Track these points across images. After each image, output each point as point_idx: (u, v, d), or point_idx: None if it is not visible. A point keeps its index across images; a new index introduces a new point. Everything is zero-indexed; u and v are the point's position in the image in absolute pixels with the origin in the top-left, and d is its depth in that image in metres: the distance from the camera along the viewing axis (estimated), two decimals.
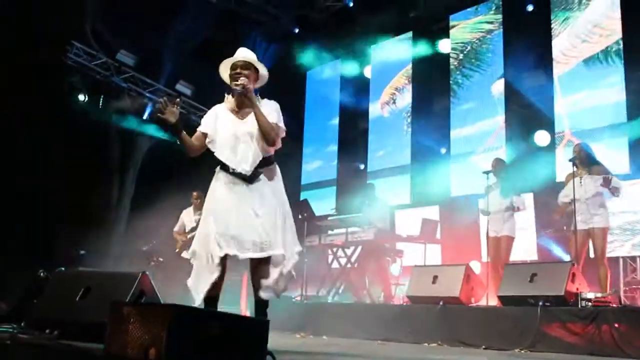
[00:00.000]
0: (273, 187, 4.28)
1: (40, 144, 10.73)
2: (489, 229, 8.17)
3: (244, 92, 4.21)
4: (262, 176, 4.22)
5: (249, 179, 4.16)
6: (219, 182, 4.26)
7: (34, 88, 10.80)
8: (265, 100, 4.39)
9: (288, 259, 4.17)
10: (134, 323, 2.65)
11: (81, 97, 12.29)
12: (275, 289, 4.18)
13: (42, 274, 4.88)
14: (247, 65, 4.36)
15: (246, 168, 4.16)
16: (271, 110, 4.30)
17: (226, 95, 4.44)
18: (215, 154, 4.29)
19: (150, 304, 3.55)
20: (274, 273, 4.13)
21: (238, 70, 4.31)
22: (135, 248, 11.17)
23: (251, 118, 4.26)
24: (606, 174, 7.14)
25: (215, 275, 4.01)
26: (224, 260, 4.06)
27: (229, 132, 4.25)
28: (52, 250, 10.79)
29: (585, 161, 7.32)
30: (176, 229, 9.82)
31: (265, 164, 4.26)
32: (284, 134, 4.35)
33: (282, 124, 4.31)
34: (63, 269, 4.54)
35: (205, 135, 4.33)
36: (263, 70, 4.45)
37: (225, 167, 4.24)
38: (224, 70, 4.45)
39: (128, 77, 12.95)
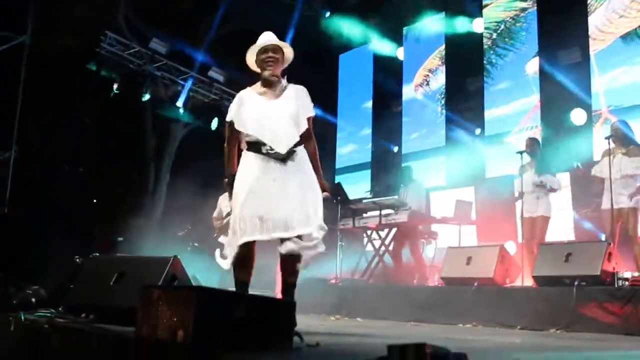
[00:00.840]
0: (304, 166, 4.30)
1: (78, 134, 10.92)
2: (523, 209, 8.07)
3: (275, 80, 4.30)
4: (297, 157, 4.23)
5: (283, 158, 4.18)
6: (249, 164, 4.24)
7: (69, 79, 10.96)
8: (292, 85, 4.41)
9: (316, 237, 4.14)
10: (162, 306, 2.69)
11: (115, 87, 12.40)
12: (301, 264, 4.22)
13: (77, 260, 4.97)
14: (277, 48, 4.38)
15: (282, 149, 4.17)
16: (300, 98, 4.34)
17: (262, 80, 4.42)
18: (247, 136, 4.28)
19: (178, 287, 3.61)
20: (300, 256, 4.14)
21: (270, 54, 4.33)
22: (171, 234, 11.31)
23: (282, 99, 4.29)
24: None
25: (232, 257, 4.11)
26: (251, 245, 4.12)
27: (260, 113, 4.26)
28: (91, 237, 10.98)
29: (622, 139, 7.20)
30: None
31: (299, 144, 4.29)
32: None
33: (312, 109, 4.38)
34: (98, 254, 4.62)
35: (231, 123, 4.35)
36: (289, 54, 4.47)
37: (255, 148, 4.24)
38: (251, 55, 4.47)
39: (161, 65, 13.05)
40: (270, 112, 4.25)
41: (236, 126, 4.30)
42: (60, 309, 4.33)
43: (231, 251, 4.13)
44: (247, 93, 4.42)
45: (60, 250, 8.77)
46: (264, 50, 4.37)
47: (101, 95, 11.82)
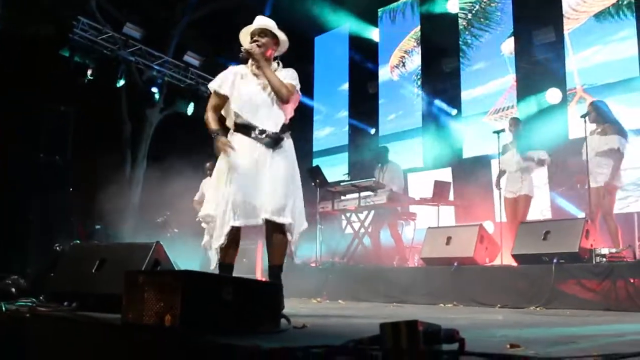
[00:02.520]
0: (290, 156, 4.32)
1: (53, 121, 10.77)
2: (505, 189, 8.11)
3: (246, 55, 4.28)
4: (283, 142, 4.26)
5: (272, 143, 4.19)
6: (237, 146, 4.21)
7: (43, 65, 10.81)
8: (285, 68, 4.44)
9: (296, 228, 4.23)
10: (148, 291, 2.67)
11: (89, 73, 12.24)
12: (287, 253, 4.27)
13: (58, 248, 4.93)
14: (265, 32, 4.39)
15: (273, 129, 4.21)
16: (288, 75, 4.35)
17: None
18: (237, 117, 4.28)
19: (163, 272, 3.59)
20: (285, 238, 4.21)
21: (255, 38, 4.35)
22: (149, 220, 11.25)
23: None
24: (620, 133, 7.11)
25: (222, 240, 4.12)
26: (236, 229, 4.15)
27: (252, 94, 4.28)
28: (68, 225, 10.88)
29: (597, 119, 7.27)
30: (196, 197, 9.83)
31: (285, 129, 4.31)
32: (298, 99, 4.39)
33: (298, 89, 4.36)
34: (78, 242, 4.58)
35: (222, 97, 4.33)
36: (282, 36, 4.47)
37: (244, 132, 4.24)
38: (244, 38, 4.49)
39: (135, 50, 12.90)
40: (261, 94, 4.27)
41: (232, 104, 4.29)
42: (41, 297, 4.29)
43: (219, 235, 4.15)
44: (243, 70, 4.41)
45: (38, 239, 8.69)
46: (252, 34, 4.39)
47: (75, 81, 11.66)
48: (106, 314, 3.26)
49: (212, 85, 4.38)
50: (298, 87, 4.36)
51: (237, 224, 4.10)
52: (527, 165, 7.99)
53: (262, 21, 4.45)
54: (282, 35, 4.45)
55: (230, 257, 4.24)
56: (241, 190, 4.10)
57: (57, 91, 10.97)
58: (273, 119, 4.24)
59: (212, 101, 4.39)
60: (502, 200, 8.13)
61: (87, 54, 12.05)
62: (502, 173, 8.21)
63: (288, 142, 4.33)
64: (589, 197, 6.95)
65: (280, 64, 4.46)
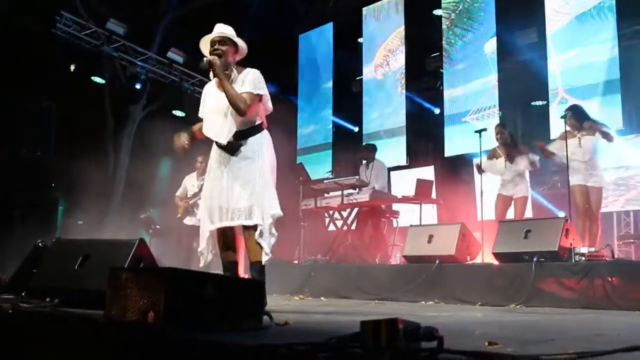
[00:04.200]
0: (256, 155, 4.40)
1: (35, 117, 10.72)
2: (502, 189, 8.11)
3: (207, 67, 4.37)
4: (243, 147, 4.37)
5: (230, 150, 4.35)
6: (212, 153, 4.52)
7: (25, 60, 10.73)
8: (246, 69, 4.49)
9: (263, 225, 4.31)
10: (132, 288, 2.69)
11: (72, 68, 12.18)
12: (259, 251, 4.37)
13: (40, 244, 4.91)
14: (224, 40, 4.46)
15: (222, 141, 4.34)
16: (246, 80, 4.40)
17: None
18: (202, 129, 4.54)
19: (147, 269, 3.61)
20: (256, 237, 4.31)
21: (216, 46, 4.43)
22: (132, 217, 11.22)
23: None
24: (604, 126, 7.23)
25: (202, 244, 4.42)
26: (223, 230, 4.38)
27: (211, 105, 4.45)
28: (50, 221, 10.83)
29: (576, 125, 7.36)
30: (178, 193, 9.79)
31: (250, 133, 4.40)
32: (268, 100, 4.48)
33: (261, 91, 4.40)
34: (61, 238, 4.57)
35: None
36: (241, 43, 4.54)
37: (215, 142, 4.48)
38: (204, 46, 4.57)
39: (119, 46, 12.85)
40: (217, 104, 4.40)
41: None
42: (23, 293, 4.28)
43: (202, 238, 4.45)
44: (208, 86, 4.62)
45: (20, 235, 8.65)
46: (212, 42, 4.46)
47: (58, 77, 11.60)
48: (89, 310, 3.27)
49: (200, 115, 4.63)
50: (259, 90, 4.38)
51: (212, 227, 4.37)
52: (520, 170, 8.03)
53: (221, 29, 4.52)
54: (241, 43, 4.52)
55: (228, 257, 4.46)
56: (213, 196, 4.38)
57: (40, 87, 10.90)
58: (226, 128, 4.35)
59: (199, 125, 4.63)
60: (482, 198, 8.16)
61: (71, 49, 11.99)
62: (479, 169, 8.21)
63: (257, 141, 4.43)
64: (568, 196, 7.04)
65: (240, 69, 4.49)
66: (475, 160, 8.49)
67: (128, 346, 2.50)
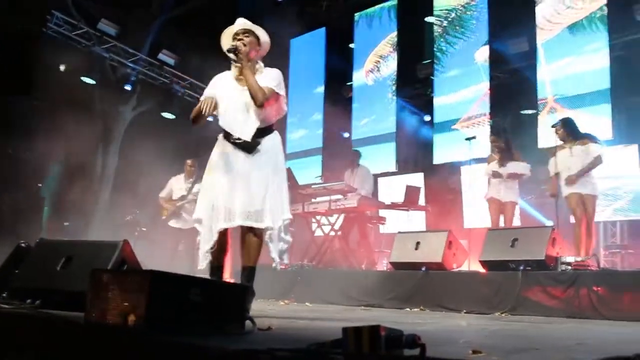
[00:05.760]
0: (270, 157, 4.35)
1: (24, 116, 10.65)
2: (491, 194, 8.19)
3: (233, 51, 4.27)
4: (260, 146, 4.28)
5: (248, 148, 4.24)
6: (219, 150, 4.37)
7: (16, 59, 10.67)
8: (268, 68, 4.46)
9: (273, 229, 4.28)
10: (113, 290, 2.65)
11: (63, 68, 12.11)
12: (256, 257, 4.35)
13: (23, 244, 4.85)
14: (248, 32, 4.42)
15: (246, 137, 4.25)
16: (270, 77, 4.37)
17: (232, 63, 4.44)
18: (219, 122, 4.39)
19: (129, 271, 3.57)
20: (259, 241, 4.30)
21: (240, 37, 4.38)
22: (119, 218, 11.16)
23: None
24: (592, 140, 7.28)
25: (210, 244, 4.25)
26: (223, 232, 4.26)
27: (230, 99, 4.32)
28: (35, 222, 10.76)
29: (567, 137, 7.41)
30: (162, 195, 9.72)
31: (265, 133, 4.34)
32: (284, 102, 4.44)
33: (281, 91, 4.37)
34: (44, 238, 4.52)
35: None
36: (264, 37, 4.50)
37: (226, 135, 4.33)
38: (226, 40, 4.50)
39: (110, 47, 12.80)
40: (239, 99, 4.31)
41: (218, 109, 4.38)
42: (4, 294, 4.23)
43: (208, 238, 4.28)
44: (222, 76, 4.49)
45: (5, 236, 8.57)
46: (235, 34, 4.41)
47: (49, 76, 11.53)
48: (70, 312, 3.23)
49: (204, 93, 4.46)
50: (279, 89, 4.36)
51: (221, 227, 4.22)
52: (511, 174, 8.10)
53: (244, 21, 4.48)
54: (264, 36, 4.49)
55: (219, 260, 4.35)
56: (222, 195, 4.22)
57: (29, 86, 10.84)
58: (249, 124, 4.28)
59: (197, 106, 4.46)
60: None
61: (61, 48, 11.92)
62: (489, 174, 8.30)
63: (270, 142, 4.37)
64: (556, 205, 7.07)
65: (261, 67, 4.46)
66: (487, 169, 8.50)
67: (107, 349, 2.47)
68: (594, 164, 7.17)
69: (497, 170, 8.10)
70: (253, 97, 4.22)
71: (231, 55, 4.32)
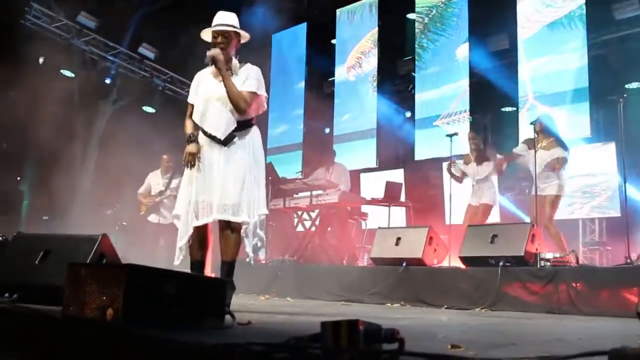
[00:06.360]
0: (247, 151, 4.36)
1: (2, 108, 10.52)
2: (471, 198, 8.28)
3: (211, 63, 4.33)
4: (238, 140, 4.31)
5: (223, 142, 4.26)
6: (199, 146, 4.38)
7: None
8: (248, 65, 4.48)
9: (249, 224, 4.28)
10: (91, 284, 2.64)
11: (41, 61, 11.98)
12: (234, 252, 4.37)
13: (1, 238, 4.81)
14: (226, 32, 4.41)
15: (218, 134, 4.27)
16: (250, 77, 4.38)
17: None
18: (195, 118, 4.40)
19: (106, 265, 3.55)
20: (238, 236, 4.30)
21: (219, 39, 4.39)
22: (99, 213, 11.08)
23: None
24: (563, 146, 7.38)
25: (185, 239, 4.28)
26: (202, 227, 4.29)
27: (206, 96, 4.35)
28: (14, 215, 10.65)
29: (544, 133, 7.50)
30: (141, 190, 9.69)
31: (242, 127, 4.35)
32: (264, 101, 4.50)
33: (262, 91, 4.41)
34: (22, 232, 4.48)
35: (191, 105, 4.49)
36: (243, 32, 4.52)
37: (202, 131, 4.37)
38: (205, 36, 4.52)
39: (89, 40, 12.68)
40: (214, 95, 4.33)
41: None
42: None
43: (183, 234, 4.31)
44: (202, 74, 4.54)
45: None
46: (213, 37, 4.42)
47: (26, 68, 11.40)
48: (48, 307, 3.20)
49: (189, 100, 4.54)
50: (260, 90, 4.40)
51: (197, 223, 4.24)
52: (485, 176, 8.14)
53: (224, 19, 4.47)
54: (243, 32, 4.52)
55: (199, 254, 4.36)
56: (199, 190, 4.25)
57: (7, 78, 10.70)
58: (224, 122, 4.30)
59: (189, 110, 4.51)
60: (451, 203, 8.25)
61: (39, 41, 11.80)
62: (449, 166, 8.36)
63: (248, 136, 4.39)
64: (535, 204, 7.12)
65: (241, 63, 4.49)
66: (446, 164, 8.56)
67: (85, 344, 2.45)
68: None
69: (470, 171, 8.18)
70: (235, 106, 4.26)
71: (206, 63, 4.41)
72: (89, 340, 2.46)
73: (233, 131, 4.29)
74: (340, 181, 9.34)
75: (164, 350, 2.05)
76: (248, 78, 4.35)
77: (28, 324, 2.94)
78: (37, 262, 3.99)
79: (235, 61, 4.44)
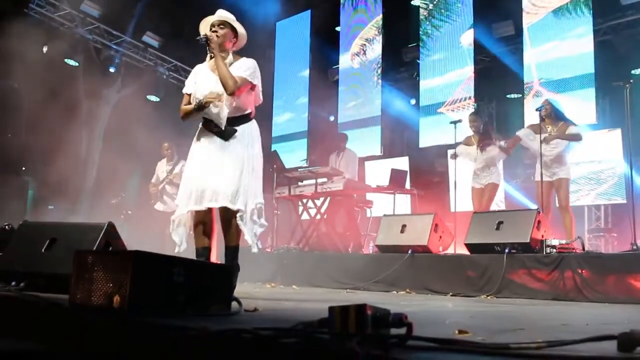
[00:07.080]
0: (245, 144, 4.43)
1: (5, 99, 10.53)
2: (474, 181, 8.18)
3: (205, 41, 4.37)
4: (237, 134, 4.37)
5: (224, 135, 4.34)
6: (197, 138, 4.50)
7: None
8: (244, 58, 4.54)
9: (245, 212, 4.34)
10: (97, 271, 2.63)
11: (45, 50, 11.96)
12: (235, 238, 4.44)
13: (7, 227, 4.83)
14: (224, 23, 4.51)
15: (222, 124, 4.34)
16: (244, 65, 4.45)
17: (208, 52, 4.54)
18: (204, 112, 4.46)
19: (113, 252, 3.55)
20: (236, 224, 4.35)
21: (215, 28, 4.48)
22: (104, 202, 11.10)
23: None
24: (574, 125, 7.31)
25: (183, 228, 4.47)
26: (204, 213, 4.38)
27: (206, 88, 4.39)
28: (20, 204, 10.67)
29: (552, 117, 7.43)
30: (153, 180, 9.75)
31: (241, 121, 4.43)
32: (259, 92, 4.56)
33: (255, 80, 4.46)
34: (28, 221, 4.49)
35: (189, 96, 4.52)
36: (241, 30, 4.59)
37: (205, 123, 4.45)
38: (204, 28, 4.58)
39: (93, 28, 12.66)
40: (213, 88, 4.38)
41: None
42: None
43: (179, 220, 4.47)
44: (200, 67, 4.61)
45: None
46: (212, 25, 4.50)
47: (30, 58, 11.38)
48: (55, 295, 3.21)
49: (184, 91, 4.60)
50: (253, 78, 4.44)
51: (192, 208, 4.35)
52: (491, 159, 8.07)
53: (223, 13, 4.58)
54: (241, 29, 4.58)
55: (204, 242, 4.45)
56: (197, 178, 4.34)
57: (11, 68, 10.70)
58: (224, 113, 4.36)
59: (184, 101, 4.57)
60: (456, 190, 8.21)
61: (43, 30, 11.77)
62: (454, 155, 8.29)
63: (246, 130, 4.46)
64: (541, 190, 7.09)
65: (237, 57, 4.54)
66: (451, 151, 8.53)
67: (92, 331, 2.46)
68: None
69: (477, 155, 8.09)
70: (224, 84, 4.31)
71: (201, 41, 4.43)
72: (96, 327, 2.47)
73: (233, 125, 4.35)
74: (347, 168, 9.33)
75: (171, 337, 2.05)
76: (242, 67, 4.43)
77: (36, 312, 2.95)
78: (43, 250, 4.00)
79: (230, 56, 4.50)
